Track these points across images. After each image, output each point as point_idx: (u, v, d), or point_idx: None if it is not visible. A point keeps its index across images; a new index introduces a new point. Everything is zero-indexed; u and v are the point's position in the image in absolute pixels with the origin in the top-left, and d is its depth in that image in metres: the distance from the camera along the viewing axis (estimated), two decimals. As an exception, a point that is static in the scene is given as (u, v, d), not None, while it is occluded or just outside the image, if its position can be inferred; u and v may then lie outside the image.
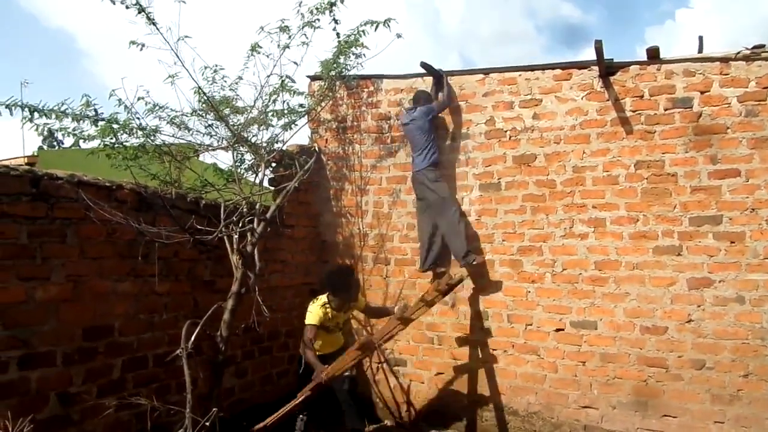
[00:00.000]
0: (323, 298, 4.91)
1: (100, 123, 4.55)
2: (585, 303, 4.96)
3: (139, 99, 5.04)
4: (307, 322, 4.80)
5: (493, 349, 5.32)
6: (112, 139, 4.80)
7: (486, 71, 5.56)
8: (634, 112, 4.90)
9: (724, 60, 4.65)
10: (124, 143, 4.98)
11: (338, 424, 5.11)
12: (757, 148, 4.49)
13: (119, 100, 4.85)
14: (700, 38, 5.16)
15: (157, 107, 5.18)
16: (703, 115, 4.68)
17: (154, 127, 5.09)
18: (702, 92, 4.70)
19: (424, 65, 5.55)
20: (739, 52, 4.63)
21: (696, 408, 4.58)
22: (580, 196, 5.05)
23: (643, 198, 4.82)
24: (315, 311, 4.82)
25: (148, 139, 4.99)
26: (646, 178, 4.82)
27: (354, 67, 5.92)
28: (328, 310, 4.85)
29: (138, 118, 4.98)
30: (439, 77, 5.55)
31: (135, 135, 5.08)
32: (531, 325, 5.17)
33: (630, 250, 4.84)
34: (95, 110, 4.53)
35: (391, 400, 5.78)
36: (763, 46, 4.60)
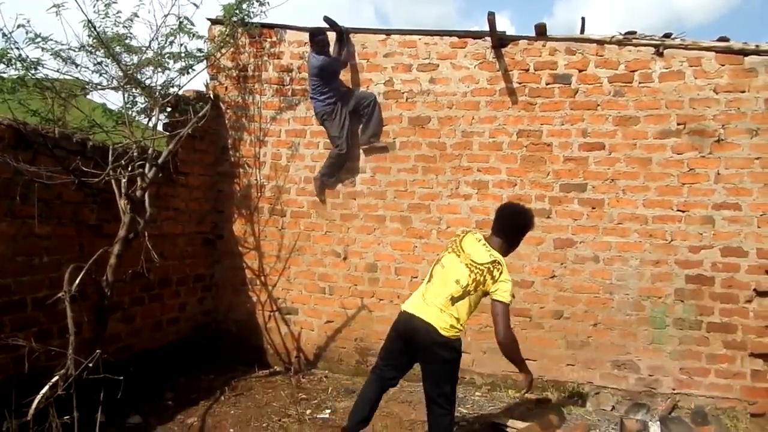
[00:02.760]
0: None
1: (-26, 52, 4.21)
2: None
3: (18, 26, 4.71)
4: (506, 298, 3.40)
5: (380, 299, 5.65)
6: (-12, 69, 4.49)
7: (387, 32, 5.69)
8: (520, 84, 5.28)
9: (600, 42, 5.11)
10: (1, 74, 4.66)
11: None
12: (621, 125, 5.03)
13: (-4, 27, 4.51)
14: (583, 19, 5.60)
15: (40, 38, 4.85)
16: (579, 92, 5.14)
17: (35, 59, 4.79)
18: (580, 70, 5.15)
19: (327, 20, 5.58)
20: (613, 37, 5.10)
21: (553, 353, 5.19)
22: (467, 160, 5.40)
23: (522, 164, 5.26)
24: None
25: (29, 72, 4.70)
26: (526, 146, 5.25)
27: (257, 15, 5.85)
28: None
29: (17, 48, 4.68)
30: (341, 33, 5.62)
31: (14, 66, 4.76)
32: (416, 277, 5.51)
33: (507, 212, 5.28)
34: (-32, 39, 4.18)
35: (281, 347, 5.99)
36: (634, 33, 5.10)
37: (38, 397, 3.11)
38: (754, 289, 4.72)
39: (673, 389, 4.87)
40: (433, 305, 3.41)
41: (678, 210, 4.89)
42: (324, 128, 5.66)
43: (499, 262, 3.43)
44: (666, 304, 4.91)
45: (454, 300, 3.40)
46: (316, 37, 5.45)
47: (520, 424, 4.24)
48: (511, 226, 3.64)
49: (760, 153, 4.72)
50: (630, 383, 4.97)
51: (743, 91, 4.77)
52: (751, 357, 4.73)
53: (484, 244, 3.52)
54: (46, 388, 3.15)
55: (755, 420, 4.65)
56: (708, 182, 4.83)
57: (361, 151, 5.70)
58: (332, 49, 5.61)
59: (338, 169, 5.70)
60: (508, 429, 4.26)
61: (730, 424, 4.53)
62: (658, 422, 4.25)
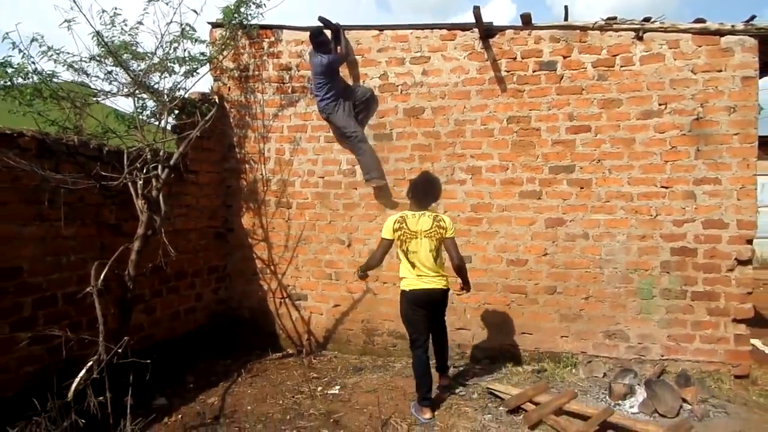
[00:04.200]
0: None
1: (-6, 67, 4.54)
2: (462, 240, 5.65)
3: (32, 41, 5.04)
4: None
5: (384, 282, 5.97)
6: (7, 82, 4.81)
7: (380, 28, 5.95)
8: (508, 72, 5.53)
9: (583, 29, 5.34)
10: (19, 87, 4.98)
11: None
12: (605, 108, 5.28)
13: (13, 43, 4.84)
14: (566, 7, 5.80)
15: (53, 50, 5.18)
16: (564, 77, 5.38)
17: (50, 72, 5.11)
18: (564, 57, 5.39)
19: (321, 19, 5.85)
20: (595, 23, 5.32)
21: (547, 326, 5.50)
22: (461, 147, 5.68)
23: (513, 149, 5.53)
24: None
25: (44, 83, 5.02)
26: (516, 132, 5.51)
27: (255, 17, 6.14)
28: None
29: (33, 63, 5.00)
30: (336, 31, 5.88)
31: (30, 79, 5.09)
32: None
33: (500, 195, 5.57)
34: (-12, 55, 4.50)
35: (293, 331, 6.35)
36: (614, 18, 5.32)
37: (76, 380, 3.47)
38: (736, 259, 4.99)
39: (662, 355, 5.17)
40: (433, 274, 4.45)
41: (661, 186, 5.15)
42: (330, 123, 5.91)
43: (437, 216, 4.55)
44: (653, 275, 5.19)
45: (436, 261, 4.47)
46: (318, 38, 5.71)
47: (514, 390, 4.57)
48: (427, 193, 4.65)
49: (738, 129, 4.96)
50: (621, 352, 5.27)
51: (720, 71, 5.00)
52: (734, 322, 5.02)
53: (422, 215, 4.51)
54: (84, 371, 3.51)
55: (738, 381, 4.96)
56: (689, 159, 5.08)
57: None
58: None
59: (372, 156, 5.82)
60: (502, 394, 4.58)
61: (714, 386, 4.83)
62: (644, 385, 4.54)
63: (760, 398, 4.69)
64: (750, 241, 4.99)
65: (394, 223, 4.49)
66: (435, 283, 4.43)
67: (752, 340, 5.57)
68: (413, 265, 4.42)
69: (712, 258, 5.04)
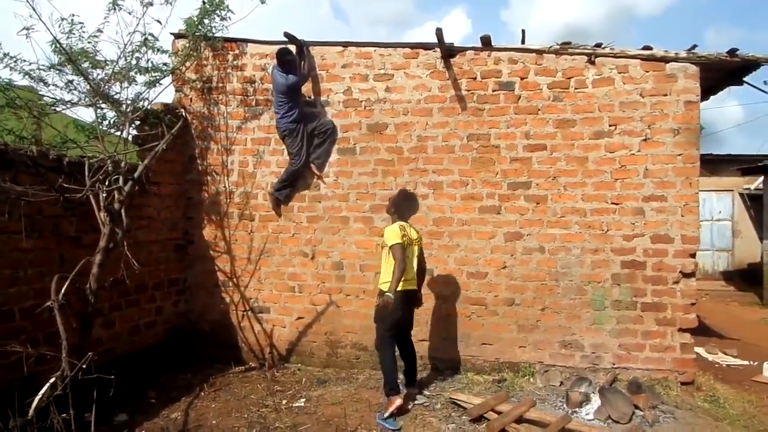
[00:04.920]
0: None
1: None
2: (425, 253, 5.79)
3: (-14, 46, 4.90)
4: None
5: (347, 295, 6.05)
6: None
7: (344, 44, 6.06)
8: (468, 91, 5.73)
9: (539, 52, 5.60)
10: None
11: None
12: (560, 127, 5.54)
13: (-33, 51, 4.71)
14: (523, 31, 6.06)
15: (9, 57, 5.05)
16: (522, 98, 5.62)
17: (7, 80, 4.99)
18: (522, 78, 5.63)
19: (287, 35, 5.92)
20: (551, 46, 5.60)
21: (507, 336, 5.68)
22: (423, 162, 5.84)
23: (473, 165, 5.72)
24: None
25: (1, 92, 4.89)
26: (476, 149, 5.71)
27: (220, 30, 6.14)
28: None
29: (-13, 71, 4.87)
30: (301, 47, 5.96)
31: (-14, 87, 4.95)
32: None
33: (461, 209, 5.75)
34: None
35: (255, 344, 6.32)
36: (569, 43, 5.60)
37: (38, 396, 3.39)
38: (680, 271, 5.31)
39: (614, 364, 5.43)
40: (414, 277, 5.02)
41: (612, 203, 5.43)
42: (284, 144, 6.00)
43: (417, 231, 5.19)
44: (605, 287, 5.46)
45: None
46: (286, 57, 5.77)
47: (476, 400, 4.71)
48: (411, 207, 5.21)
49: (681, 150, 5.30)
50: (576, 361, 5.51)
51: (666, 95, 5.34)
52: (680, 332, 5.32)
53: (409, 225, 5.08)
54: (46, 387, 3.43)
55: (684, 387, 5.25)
56: (638, 177, 5.38)
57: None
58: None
59: (291, 183, 6.08)
60: (465, 404, 4.71)
61: (663, 392, 5.10)
62: (598, 393, 4.76)
63: (704, 403, 4.98)
64: (693, 255, 5.32)
65: (399, 230, 4.84)
66: (415, 284, 5.06)
67: (696, 349, 5.90)
68: (409, 267, 4.89)
69: (659, 271, 5.35)
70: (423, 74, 5.84)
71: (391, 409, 4.53)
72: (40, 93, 5.26)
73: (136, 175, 4.87)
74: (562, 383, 5.31)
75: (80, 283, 4.33)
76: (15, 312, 4.21)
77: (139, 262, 5.00)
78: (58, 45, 5.09)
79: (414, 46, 5.89)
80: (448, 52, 5.71)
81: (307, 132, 5.88)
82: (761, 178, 13.69)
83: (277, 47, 5.99)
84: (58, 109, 5.39)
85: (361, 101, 5.98)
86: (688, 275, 5.32)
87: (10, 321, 4.16)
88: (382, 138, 5.94)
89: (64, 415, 3.37)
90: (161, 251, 6.05)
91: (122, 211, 4.71)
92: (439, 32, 5.36)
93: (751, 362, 7.08)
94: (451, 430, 4.34)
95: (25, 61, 5.11)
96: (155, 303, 5.94)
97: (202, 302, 6.46)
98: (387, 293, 4.66)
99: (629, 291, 5.41)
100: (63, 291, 3.96)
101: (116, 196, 4.70)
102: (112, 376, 3.79)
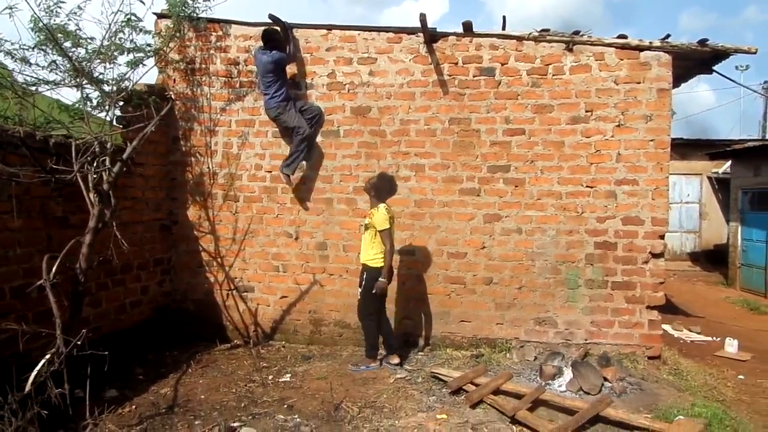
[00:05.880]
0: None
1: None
2: (406, 234, 5.98)
3: (-32, 27, 4.87)
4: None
5: (331, 274, 6.20)
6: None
7: (329, 27, 6.13)
8: (450, 76, 5.87)
9: (519, 39, 5.75)
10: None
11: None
12: (538, 113, 5.72)
13: (-51, 30, 4.66)
14: (504, 18, 6.19)
15: (-9, 36, 5.01)
16: (502, 83, 5.78)
17: (-10, 61, 4.96)
18: (502, 64, 5.78)
19: (272, 17, 5.96)
20: (530, 33, 5.75)
21: (484, 314, 5.91)
22: (405, 145, 5.98)
23: (454, 149, 5.88)
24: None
25: (-15, 72, 4.87)
26: (457, 133, 5.87)
27: (204, 11, 6.15)
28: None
29: (-29, 50, 4.83)
30: (286, 30, 6.00)
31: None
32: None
33: (442, 192, 5.92)
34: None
35: (240, 322, 6.45)
36: (548, 30, 5.76)
37: (34, 372, 3.49)
38: (650, 252, 5.58)
39: (585, 339, 5.70)
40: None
41: (587, 186, 5.66)
42: (278, 122, 6.04)
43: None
44: (578, 267, 5.71)
45: None
46: (271, 36, 5.81)
47: (456, 373, 4.93)
48: (391, 189, 5.48)
49: (653, 135, 5.54)
50: (550, 336, 5.77)
51: (639, 82, 5.55)
52: (648, 309, 5.61)
53: (389, 207, 5.38)
54: (43, 362, 3.53)
55: (651, 361, 5.56)
56: (611, 162, 5.61)
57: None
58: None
59: (305, 153, 6.04)
60: (445, 377, 4.94)
61: (631, 366, 5.39)
62: (570, 366, 5.02)
63: (669, 376, 5.29)
64: (662, 236, 5.59)
65: (387, 212, 5.22)
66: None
67: (663, 326, 6.22)
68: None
69: (630, 251, 5.61)
70: (406, 59, 5.95)
71: (366, 366, 5.30)
72: (24, 74, 5.23)
73: (125, 156, 4.91)
74: (536, 358, 5.57)
75: (70, 263, 4.40)
76: (5, 291, 4.26)
77: (124, 243, 5.08)
78: (38, 22, 5.06)
79: (397, 30, 5.98)
80: (431, 37, 5.82)
81: (297, 108, 5.94)
82: (729, 163, 14.17)
83: (261, 29, 6.04)
84: (41, 89, 5.37)
85: (345, 84, 6.08)
86: (657, 255, 5.59)
87: (0, 300, 4.22)
88: (365, 121, 6.05)
89: (61, 389, 3.48)
90: (146, 231, 6.11)
91: (110, 191, 4.76)
92: (422, 17, 5.47)
93: (714, 338, 7.48)
94: (432, 402, 4.55)
95: (7, 41, 5.09)
96: (141, 282, 6.02)
97: (186, 282, 6.55)
98: (381, 279, 5.23)
99: (601, 270, 5.67)
100: (53, 270, 4.03)
101: (105, 177, 4.74)
102: (106, 353, 3.92)
